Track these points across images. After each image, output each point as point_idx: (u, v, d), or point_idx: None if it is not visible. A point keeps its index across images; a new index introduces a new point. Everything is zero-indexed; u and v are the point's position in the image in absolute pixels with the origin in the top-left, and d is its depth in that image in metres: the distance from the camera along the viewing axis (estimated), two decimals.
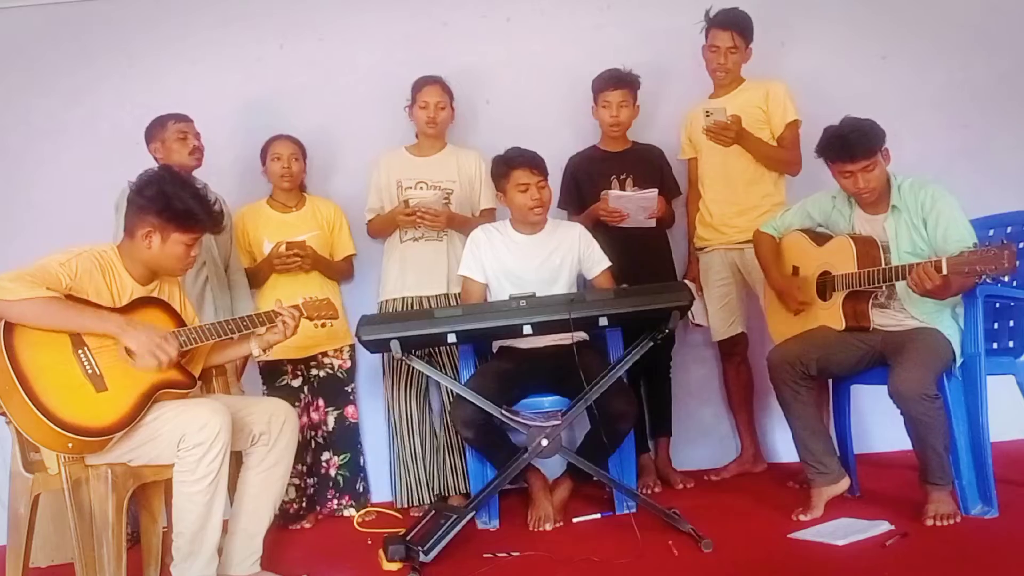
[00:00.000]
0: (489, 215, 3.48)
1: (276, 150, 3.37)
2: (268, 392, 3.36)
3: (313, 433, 3.41)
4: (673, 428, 3.54)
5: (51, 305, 2.17)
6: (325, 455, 3.41)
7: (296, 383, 3.39)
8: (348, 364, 3.47)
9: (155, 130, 3.17)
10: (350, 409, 3.46)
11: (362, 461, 3.49)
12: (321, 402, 3.43)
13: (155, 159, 3.16)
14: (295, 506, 3.29)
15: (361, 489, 3.45)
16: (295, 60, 3.78)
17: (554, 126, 3.71)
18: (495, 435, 2.94)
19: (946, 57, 3.81)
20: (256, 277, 3.38)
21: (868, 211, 2.84)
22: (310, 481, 3.39)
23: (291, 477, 3.23)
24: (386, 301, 3.41)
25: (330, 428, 3.42)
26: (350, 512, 3.37)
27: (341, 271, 3.53)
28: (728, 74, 3.39)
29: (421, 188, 3.40)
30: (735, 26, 3.33)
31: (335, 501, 3.40)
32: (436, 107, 3.38)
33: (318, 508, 3.39)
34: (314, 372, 3.43)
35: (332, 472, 3.41)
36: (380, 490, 3.55)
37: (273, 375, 3.38)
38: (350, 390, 3.48)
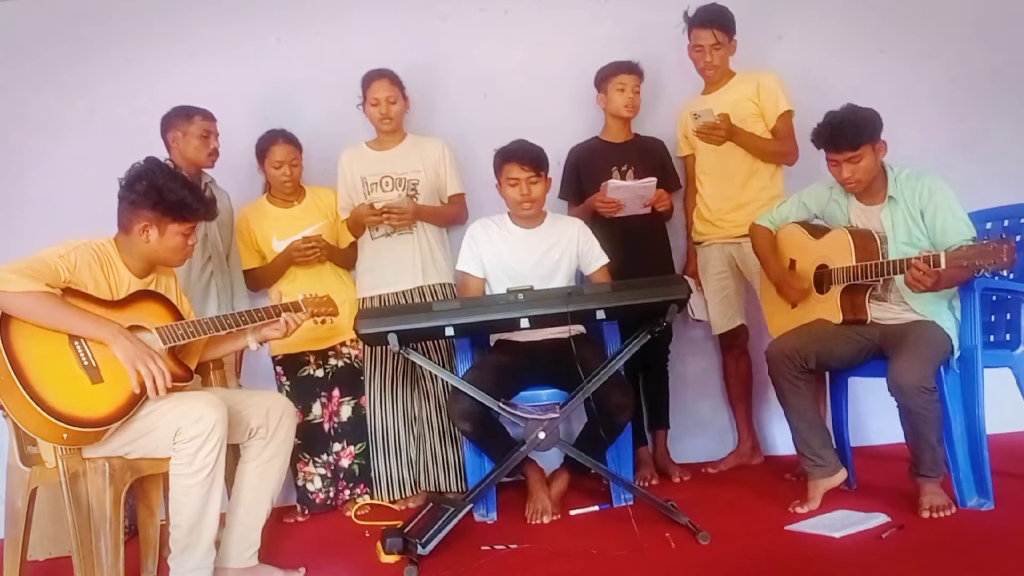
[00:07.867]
0: (458, 200, 3.46)
1: (275, 157, 3.30)
2: (289, 383, 3.36)
3: (331, 423, 3.40)
4: (671, 421, 3.55)
5: (48, 302, 2.17)
6: (338, 446, 3.39)
7: (319, 373, 3.39)
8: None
9: (178, 119, 3.13)
10: (365, 399, 3.42)
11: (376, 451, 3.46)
12: (336, 392, 3.41)
13: (167, 146, 3.14)
14: (321, 496, 3.30)
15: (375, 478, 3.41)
16: (292, 54, 3.77)
17: (552, 119, 3.69)
18: (493, 428, 2.94)
19: (943, 52, 3.82)
20: (269, 275, 3.37)
21: (865, 202, 2.84)
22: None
23: (317, 467, 3.30)
24: (363, 299, 3.39)
25: (344, 418, 3.39)
26: (365, 502, 3.35)
27: (350, 258, 3.49)
28: (716, 70, 3.38)
29: (387, 183, 3.38)
30: (714, 23, 3.31)
31: (347, 491, 3.38)
32: (387, 102, 3.33)
33: (339, 498, 3.38)
34: (332, 362, 3.41)
35: (346, 463, 3.38)
36: None
37: (295, 366, 3.37)
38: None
